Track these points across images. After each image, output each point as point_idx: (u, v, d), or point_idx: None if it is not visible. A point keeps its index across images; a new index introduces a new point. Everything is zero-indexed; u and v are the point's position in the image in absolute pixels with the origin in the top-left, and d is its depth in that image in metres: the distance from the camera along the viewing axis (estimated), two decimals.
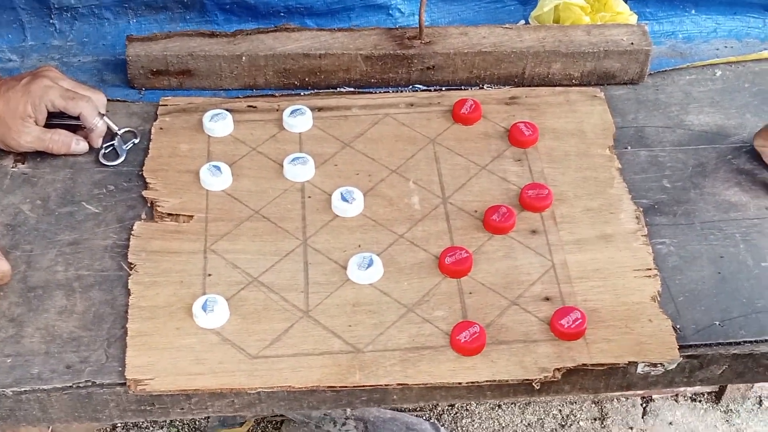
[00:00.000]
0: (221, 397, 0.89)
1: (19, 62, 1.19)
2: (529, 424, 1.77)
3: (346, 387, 0.88)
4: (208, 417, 1.74)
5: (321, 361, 0.90)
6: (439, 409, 1.78)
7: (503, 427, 1.77)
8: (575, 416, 1.78)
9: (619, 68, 1.15)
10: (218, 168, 1.05)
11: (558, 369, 0.89)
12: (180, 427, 1.75)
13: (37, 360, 0.89)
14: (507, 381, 0.88)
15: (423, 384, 0.88)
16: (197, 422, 1.76)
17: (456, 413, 1.78)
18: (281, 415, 1.72)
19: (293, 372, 0.89)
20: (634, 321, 0.92)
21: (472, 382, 0.89)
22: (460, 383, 0.89)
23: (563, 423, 1.77)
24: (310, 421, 1.66)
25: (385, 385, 0.89)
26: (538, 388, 0.89)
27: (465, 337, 0.89)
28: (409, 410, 1.75)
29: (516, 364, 0.89)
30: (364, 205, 1.03)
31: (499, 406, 1.79)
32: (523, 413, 1.78)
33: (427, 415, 1.76)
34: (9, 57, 1.20)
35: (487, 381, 0.88)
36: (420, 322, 0.93)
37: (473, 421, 1.77)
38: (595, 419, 1.78)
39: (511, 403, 1.79)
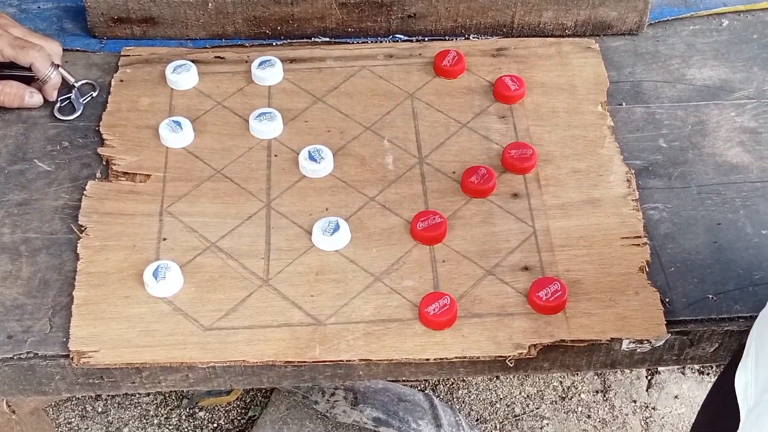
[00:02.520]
0: (174, 371, 0.83)
1: None
2: (528, 396, 1.70)
3: (304, 362, 0.82)
4: None
5: (279, 334, 0.83)
6: (435, 380, 1.72)
7: (501, 398, 1.70)
8: (576, 388, 1.72)
9: (616, 17, 1.06)
10: (179, 123, 0.97)
11: (534, 345, 0.81)
12: (167, 395, 1.71)
13: None
14: (478, 358, 0.81)
15: (387, 360, 0.82)
16: (184, 390, 1.71)
17: (452, 384, 1.72)
18: None
19: (248, 345, 0.82)
20: (619, 294, 0.84)
21: (440, 359, 0.82)
22: (427, 359, 0.82)
23: (564, 395, 1.71)
24: (298, 390, 1.61)
25: (347, 360, 0.82)
26: (512, 365, 0.82)
27: (434, 310, 0.82)
28: (402, 381, 1.69)
29: (489, 339, 0.82)
30: (334, 165, 0.95)
31: (497, 377, 1.72)
32: (522, 385, 1.72)
33: (422, 386, 1.70)
34: None
35: (456, 357, 0.81)
36: (387, 293, 0.85)
37: (470, 392, 1.71)
38: (597, 392, 1.71)
39: (510, 375, 1.72)
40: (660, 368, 1.73)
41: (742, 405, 0.70)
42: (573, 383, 1.72)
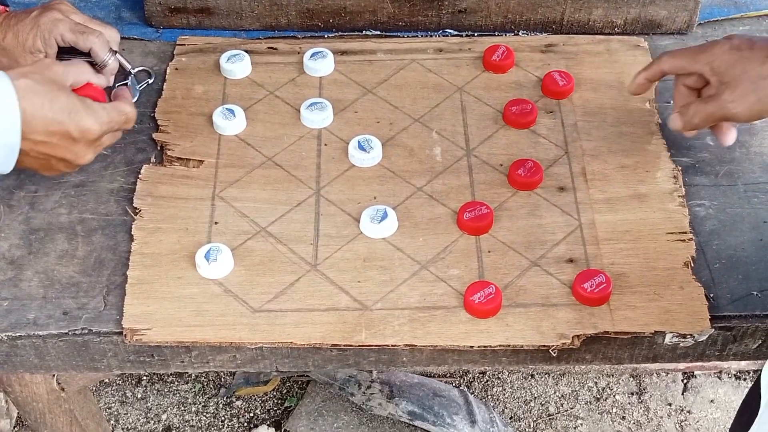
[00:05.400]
0: (222, 351, 0.85)
1: None
2: (562, 396, 1.71)
3: (350, 346, 0.83)
4: (234, 373, 1.72)
5: (326, 318, 0.85)
6: (470, 376, 1.73)
7: (535, 397, 1.71)
8: (611, 389, 1.72)
9: (665, 16, 1.07)
10: (232, 111, 0.99)
11: (577, 336, 0.82)
12: (205, 383, 1.73)
13: (34, 305, 0.86)
14: (522, 346, 0.82)
15: (432, 346, 0.83)
16: (222, 379, 1.74)
17: (487, 381, 1.72)
18: (306, 376, 1.69)
19: (296, 328, 0.84)
20: (664, 287, 0.85)
21: (484, 346, 0.83)
22: (471, 347, 0.83)
23: (599, 396, 1.71)
24: (335, 382, 1.63)
25: (392, 345, 0.83)
26: (555, 355, 0.83)
27: (479, 298, 0.83)
28: (438, 376, 1.70)
29: (533, 328, 0.83)
30: (383, 155, 0.97)
31: (532, 375, 1.73)
32: (557, 384, 1.72)
33: (457, 382, 1.71)
34: None
35: (500, 345, 0.83)
36: (433, 281, 0.87)
37: (504, 390, 1.72)
38: (632, 393, 1.71)
39: (545, 374, 1.72)
40: (696, 372, 1.72)
41: (764, 395, 0.70)
42: (608, 384, 1.72)
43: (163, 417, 1.70)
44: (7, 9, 1.05)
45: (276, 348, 0.84)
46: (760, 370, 0.83)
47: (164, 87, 1.04)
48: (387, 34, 1.10)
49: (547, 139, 0.98)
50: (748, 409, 0.84)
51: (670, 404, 1.70)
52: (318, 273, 0.88)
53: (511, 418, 1.68)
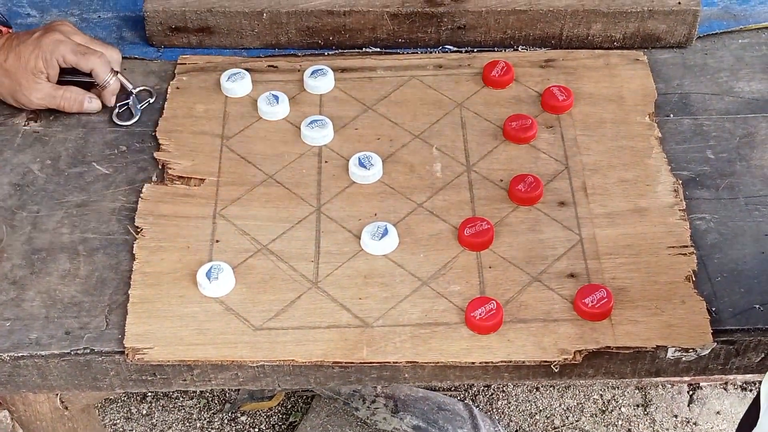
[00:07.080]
0: (224, 370, 0.85)
1: (38, 17, 1.16)
2: (567, 408, 1.70)
3: (352, 363, 0.84)
4: (238, 389, 1.72)
5: (327, 335, 0.85)
6: (474, 389, 1.72)
7: (540, 410, 1.70)
8: (617, 402, 1.71)
9: (664, 30, 1.07)
10: (276, 98, 1.02)
11: (579, 351, 0.82)
12: (209, 399, 1.73)
13: (36, 325, 0.87)
14: (524, 362, 0.82)
15: (433, 362, 0.83)
16: (227, 394, 1.74)
17: (492, 395, 1.72)
18: (311, 391, 1.69)
19: (297, 345, 0.84)
20: (666, 302, 0.85)
21: (486, 362, 0.83)
22: (473, 363, 0.83)
23: (604, 408, 1.70)
24: (339, 397, 1.63)
25: (394, 362, 0.83)
26: (557, 370, 0.83)
27: (480, 314, 0.84)
28: (443, 390, 1.70)
29: (534, 344, 0.83)
30: (383, 172, 0.97)
31: (537, 388, 1.72)
32: (562, 397, 1.72)
33: (462, 396, 1.71)
34: (28, 12, 1.17)
35: (502, 361, 0.83)
36: (434, 297, 0.87)
37: (509, 403, 1.71)
38: (638, 406, 1.71)
39: (550, 386, 1.72)
40: (702, 384, 1.72)
41: (763, 405, 0.70)
42: (613, 396, 1.72)
43: None
44: (10, 30, 1.06)
45: (278, 366, 0.85)
46: None
47: (165, 106, 1.05)
48: (387, 51, 1.10)
49: (547, 154, 0.98)
50: (749, 420, 0.84)
51: (676, 416, 1.70)
52: (319, 290, 0.88)
53: (516, 431, 1.68)
